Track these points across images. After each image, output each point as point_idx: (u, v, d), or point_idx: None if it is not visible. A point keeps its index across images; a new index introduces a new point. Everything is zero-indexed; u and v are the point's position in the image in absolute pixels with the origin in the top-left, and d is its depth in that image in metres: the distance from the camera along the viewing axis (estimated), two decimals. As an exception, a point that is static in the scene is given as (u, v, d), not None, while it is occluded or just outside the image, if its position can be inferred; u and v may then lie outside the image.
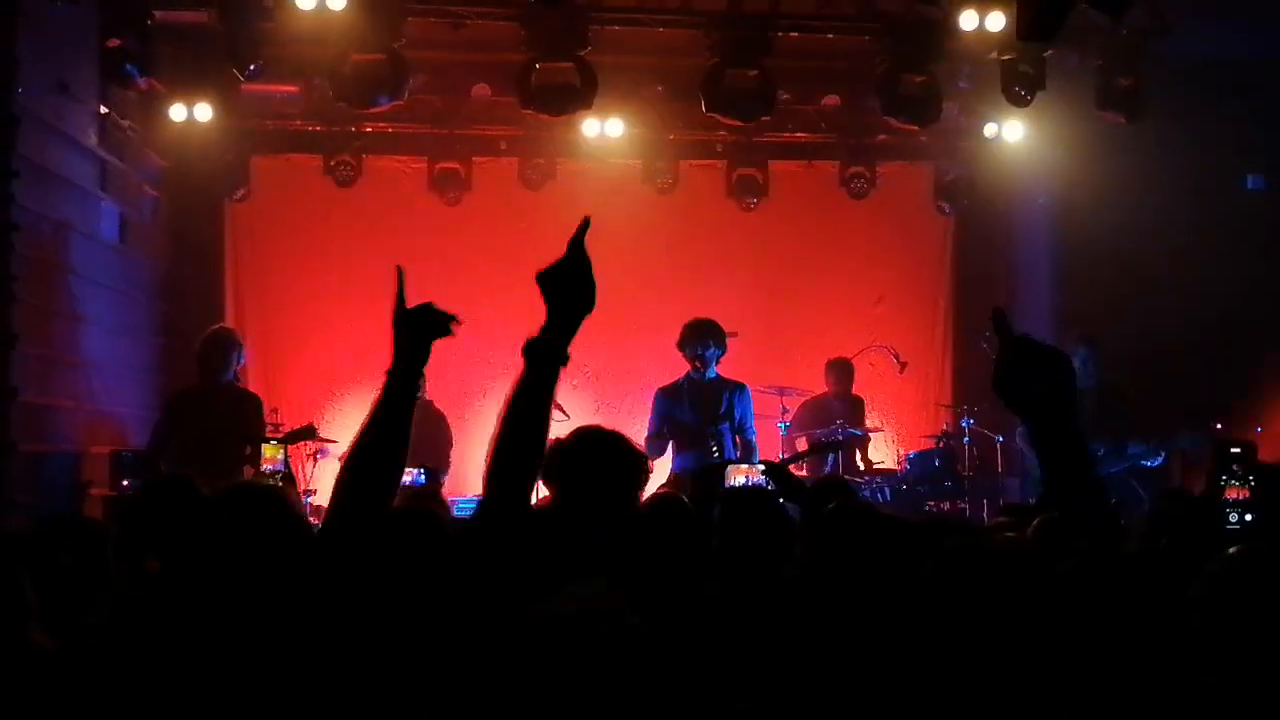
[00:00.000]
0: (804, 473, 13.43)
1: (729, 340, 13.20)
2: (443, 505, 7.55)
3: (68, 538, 6.33)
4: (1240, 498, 5.37)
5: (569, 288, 4.16)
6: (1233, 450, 5.47)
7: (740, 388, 13.06)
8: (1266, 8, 11.90)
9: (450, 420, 14.34)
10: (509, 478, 4.07)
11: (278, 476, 7.16)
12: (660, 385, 13.08)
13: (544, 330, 4.15)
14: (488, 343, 15.07)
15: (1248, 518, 5.29)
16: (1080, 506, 3.90)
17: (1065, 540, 4.35)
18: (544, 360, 4.11)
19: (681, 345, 12.83)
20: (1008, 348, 3.81)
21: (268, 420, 13.32)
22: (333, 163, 16.24)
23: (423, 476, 8.61)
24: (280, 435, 11.57)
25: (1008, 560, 4.05)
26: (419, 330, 4.72)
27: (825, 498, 6.95)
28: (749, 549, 5.95)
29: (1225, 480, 5.43)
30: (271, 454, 7.22)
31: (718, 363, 12.91)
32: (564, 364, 4.10)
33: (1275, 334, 14.72)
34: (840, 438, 14.76)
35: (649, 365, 13.35)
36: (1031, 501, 9.76)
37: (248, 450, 12.44)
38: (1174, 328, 13.92)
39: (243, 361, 13.04)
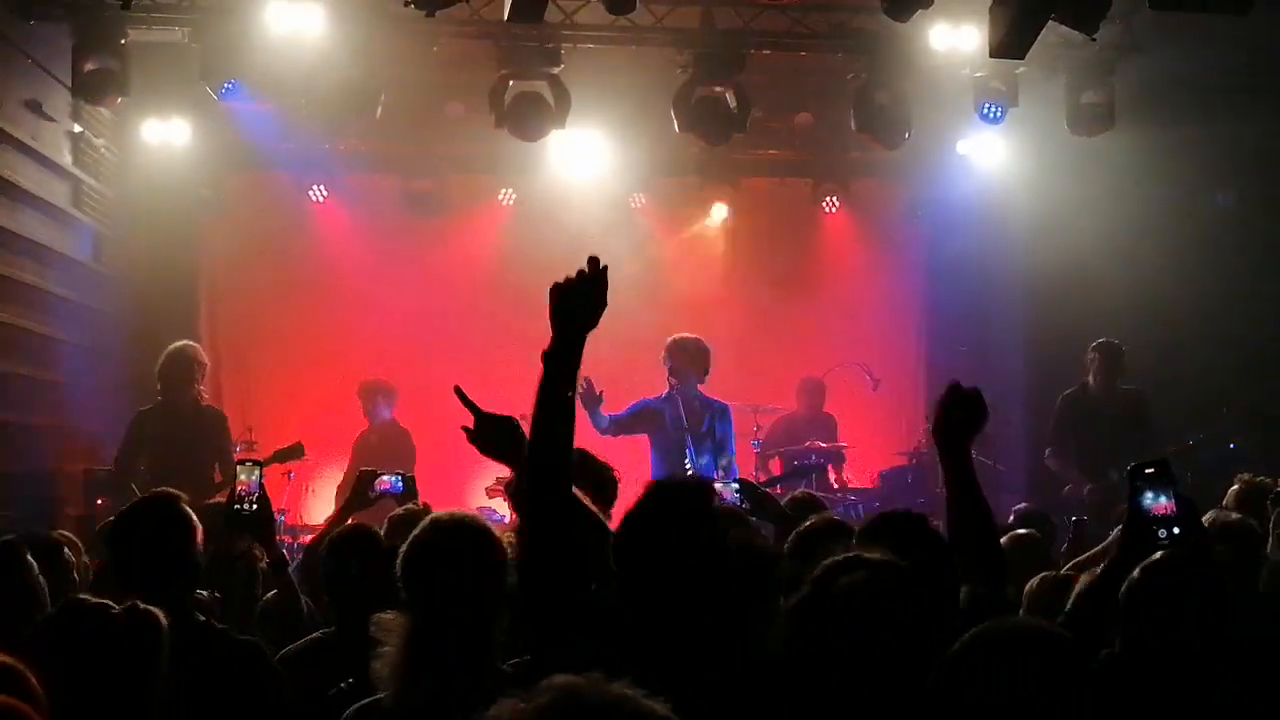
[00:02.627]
0: (778, 490, 13.46)
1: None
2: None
3: (35, 557, 6.33)
4: (1166, 513, 5.42)
5: (573, 301, 4.67)
6: (1147, 470, 5.52)
7: (723, 409, 13.16)
8: (1234, 24, 11.93)
9: (431, 438, 14.32)
10: (545, 474, 4.56)
11: (252, 499, 7.09)
12: (642, 398, 13.18)
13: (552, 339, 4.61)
14: (465, 360, 15.17)
15: (1175, 531, 5.35)
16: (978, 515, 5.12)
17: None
18: (551, 365, 4.58)
19: (705, 367, 13.00)
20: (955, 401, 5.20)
21: (242, 439, 13.31)
22: (306, 181, 16.24)
23: (400, 483, 8.55)
24: (268, 456, 11.52)
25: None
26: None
27: (800, 516, 6.95)
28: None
29: (1151, 499, 5.48)
30: (247, 475, 7.13)
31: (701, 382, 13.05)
32: (569, 367, 4.61)
33: (1246, 349, 14.76)
34: (815, 461, 14.82)
35: (620, 380, 13.35)
36: (1010, 518, 9.76)
37: (218, 476, 12.43)
38: (1145, 343, 13.96)
39: (203, 377, 12.95)
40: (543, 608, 4.52)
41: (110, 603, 4.60)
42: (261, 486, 7.18)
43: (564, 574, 4.48)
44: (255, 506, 7.11)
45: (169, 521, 5.94)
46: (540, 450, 4.57)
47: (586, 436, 11.37)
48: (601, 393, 12.71)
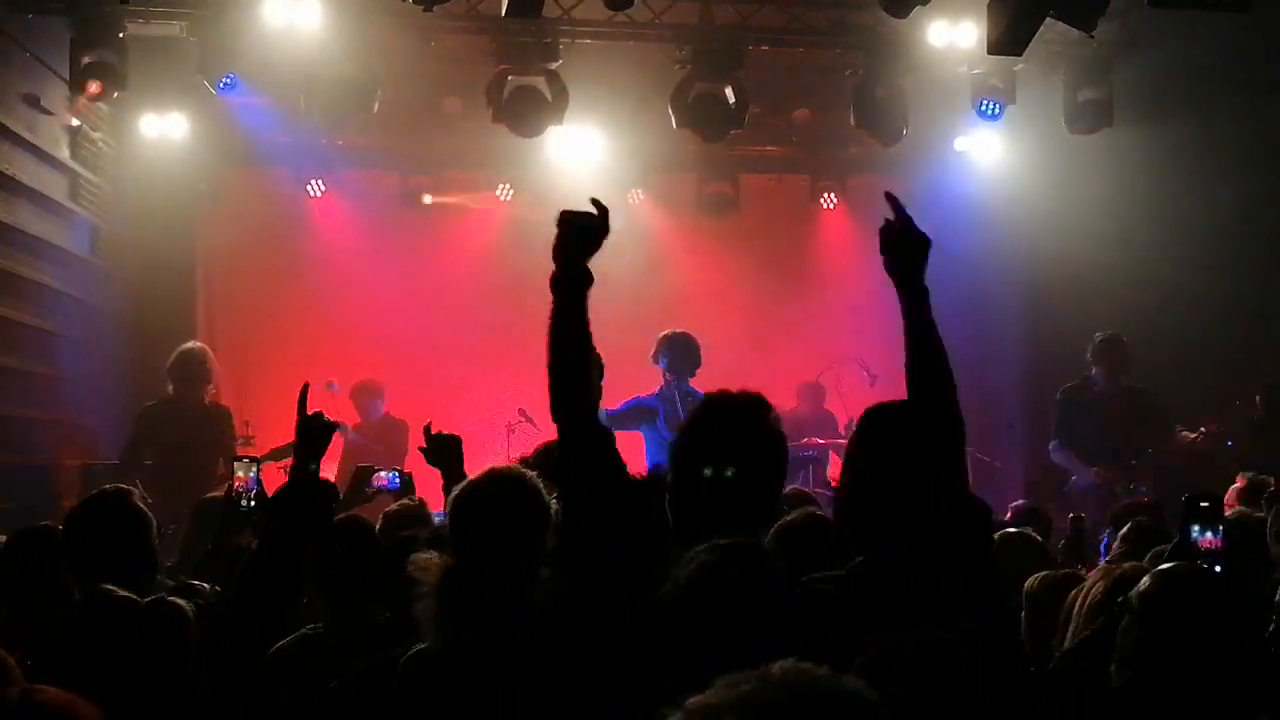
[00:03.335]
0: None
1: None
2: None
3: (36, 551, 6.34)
4: (1214, 547, 5.38)
5: (579, 228, 4.95)
6: (1201, 504, 5.48)
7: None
8: (1232, 20, 11.92)
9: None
10: (567, 396, 4.77)
11: (250, 495, 7.08)
12: (635, 396, 13.09)
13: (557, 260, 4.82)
14: (460, 352, 15.19)
15: (1218, 569, 5.31)
16: (932, 355, 5.50)
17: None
18: (560, 289, 4.80)
19: (694, 362, 12.90)
20: (894, 226, 5.59)
21: (240, 434, 13.31)
22: (304, 175, 16.24)
23: (397, 479, 8.56)
24: (264, 454, 11.51)
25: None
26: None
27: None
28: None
29: (1198, 532, 5.44)
30: (244, 471, 7.12)
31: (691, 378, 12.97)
32: (577, 290, 4.83)
33: (1248, 345, 14.74)
34: (809, 454, 14.81)
35: (618, 377, 13.32)
36: (1008, 515, 9.76)
37: (221, 468, 12.47)
38: (1144, 339, 13.95)
39: (212, 381, 13.05)
40: (584, 540, 4.66)
41: (132, 595, 4.62)
42: (259, 482, 7.18)
43: (602, 505, 4.67)
44: (253, 502, 7.11)
45: (121, 517, 5.95)
46: (559, 374, 4.76)
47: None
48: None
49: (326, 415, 5.24)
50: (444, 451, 6.98)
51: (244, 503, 7.13)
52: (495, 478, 4.96)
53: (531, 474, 4.99)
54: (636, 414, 12.96)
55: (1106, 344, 13.56)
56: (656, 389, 13.08)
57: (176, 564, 7.98)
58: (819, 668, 2.46)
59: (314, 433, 5.19)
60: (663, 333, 13.08)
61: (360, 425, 14.91)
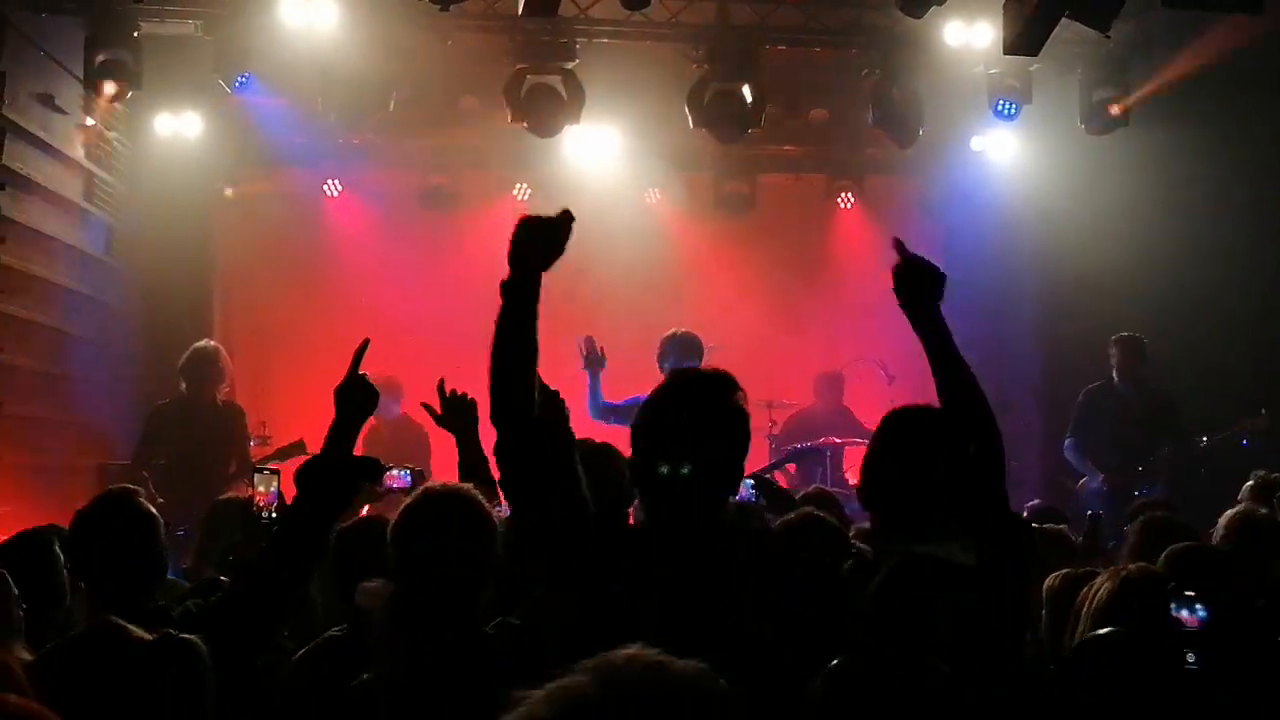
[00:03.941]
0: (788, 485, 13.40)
1: (714, 353, 13.21)
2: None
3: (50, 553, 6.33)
4: (1196, 627, 5.12)
5: (538, 236, 5.04)
6: (1187, 592, 5.22)
7: None
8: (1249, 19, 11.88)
9: (443, 433, 14.24)
10: (508, 404, 4.70)
11: (272, 508, 7.07)
12: (637, 394, 12.97)
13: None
14: (477, 352, 15.14)
15: (1190, 659, 5.10)
16: (961, 382, 5.35)
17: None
18: (508, 296, 4.92)
19: (678, 361, 12.77)
20: (905, 266, 5.57)
21: (256, 434, 13.30)
22: (321, 175, 16.23)
23: (409, 477, 8.54)
24: (269, 454, 11.48)
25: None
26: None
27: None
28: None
29: (1177, 609, 5.21)
30: (266, 486, 7.09)
31: None
32: (526, 300, 4.91)
33: (1265, 344, 14.68)
34: (807, 448, 14.77)
35: (633, 375, 13.29)
36: (1025, 515, 9.73)
37: (233, 467, 12.47)
38: (1164, 339, 13.91)
39: (224, 379, 13.05)
40: (531, 543, 4.67)
41: (136, 630, 4.50)
42: (281, 495, 7.16)
43: (546, 501, 4.59)
44: (275, 515, 7.09)
45: (128, 519, 5.93)
46: (501, 381, 4.75)
47: (592, 428, 11.34)
48: (603, 350, 12.64)
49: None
50: (459, 413, 6.78)
51: (265, 516, 7.11)
52: (430, 495, 4.96)
53: (469, 488, 4.98)
54: (634, 411, 12.80)
55: (1126, 345, 13.54)
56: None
57: (191, 566, 7.98)
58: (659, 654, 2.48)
59: (356, 393, 5.26)
60: (665, 334, 13.00)
61: (377, 422, 14.90)
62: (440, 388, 6.49)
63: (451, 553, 4.79)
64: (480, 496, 4.96)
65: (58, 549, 6.28)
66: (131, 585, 5.57)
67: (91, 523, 5.96)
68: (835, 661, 3.80)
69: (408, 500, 5.04)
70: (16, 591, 5.43)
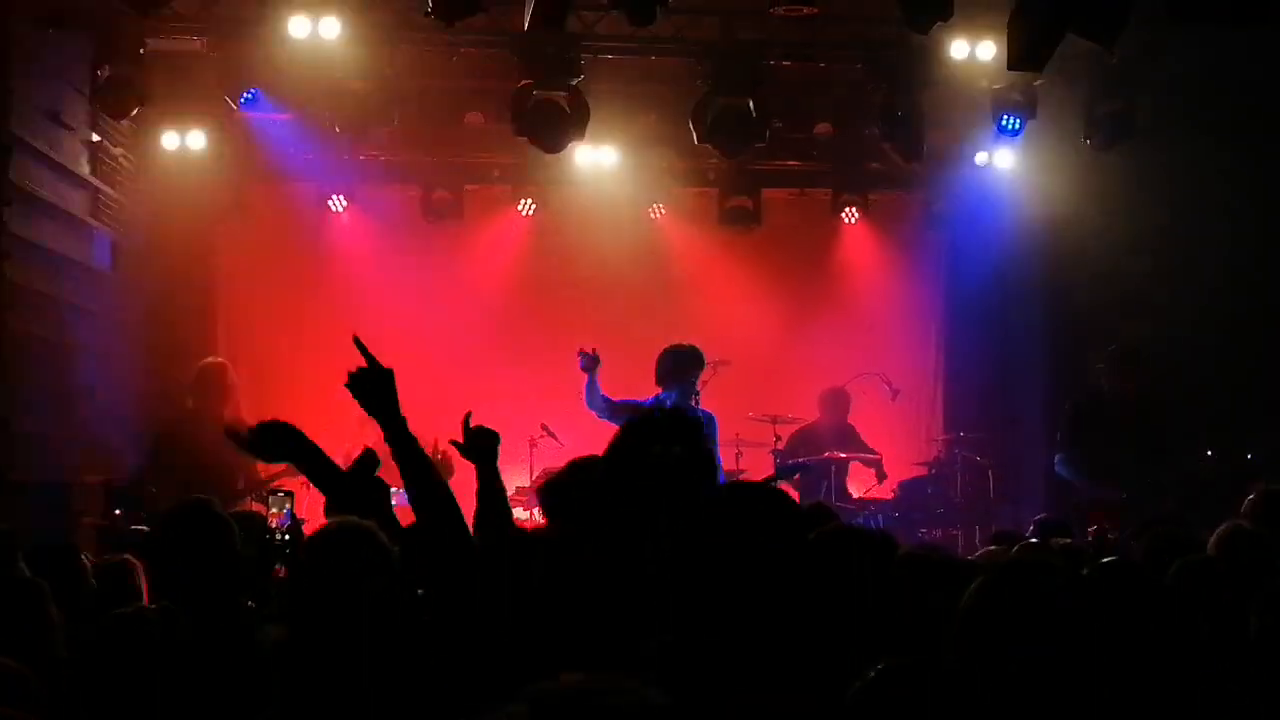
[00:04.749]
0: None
1: (721, 368, 13.21)
2: None
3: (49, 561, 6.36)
4: None
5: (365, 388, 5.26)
6: None
7: (711, 417, 12.92)
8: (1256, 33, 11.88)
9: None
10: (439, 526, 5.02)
11: (284, 530, 7.13)
12: (634, 398, 12.90)
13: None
14: (481, 366, 15.16)
15: None
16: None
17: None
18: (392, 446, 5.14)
19: (684, 375, 12.70)
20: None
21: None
22: (325, 191, 16.24)
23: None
24: (278, 470, 11.48)
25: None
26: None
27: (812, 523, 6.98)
28: None
29: None
30: (278, 508, 7.15)
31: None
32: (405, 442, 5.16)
33: (1271, 357, 14.65)
34: (801, 463, 14.80)
35: (639, 390, 13.31)
36: (1030, 529, 9.76)
37: (240, 484, 12.49)
38: (1172, 350, 13.89)
39: (232, 395, 13.10)
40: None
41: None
42: (293, 517, 7.21)
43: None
44: (288, 536, 7.13)
45: (210, 526, 5.95)
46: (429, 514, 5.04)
47: (601, 443, 11.28)
48: (594, 350, 12.54)
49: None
50: (481, 447, 6.82)
51: (278, 538, 7.14)
52: (330, 535, 4.95)
53: (368, 525, 4.96)
54: (628, 411, 12.72)
55: (1119, 356, 13.47)
56: (654, 394, 12.90)
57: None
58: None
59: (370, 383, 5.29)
60: (665, 347, 12.90)
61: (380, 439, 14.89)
62: (465, 423, 6.52)
63: (351, 598, 4.76)
64: (369, 531, 4.92)
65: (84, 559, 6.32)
66: (213, 589, 5.60)
67: (172, 530, 6.01)
68: (881, 665, 3.78)
69: (310, 536, 5.00)
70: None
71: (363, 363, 5.31)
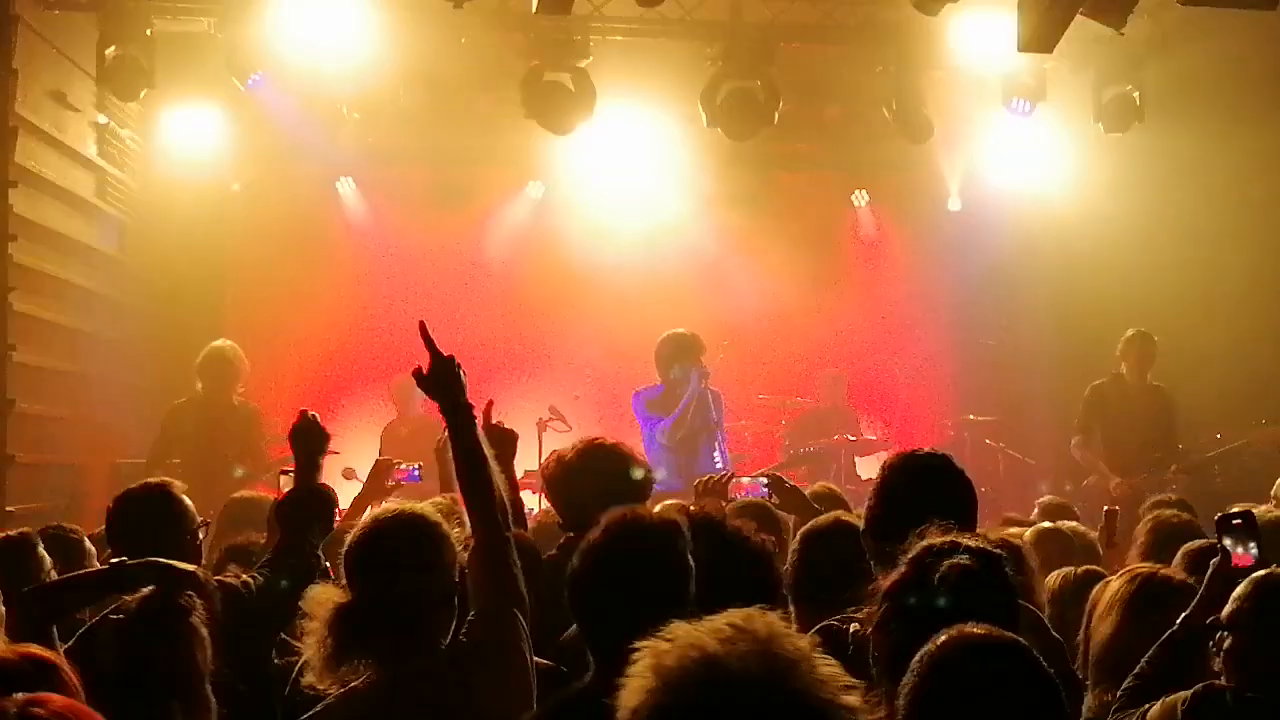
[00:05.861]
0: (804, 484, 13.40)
1: (723, 351, 13.24)
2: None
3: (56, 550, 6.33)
4: (1248, 565, 5.29)
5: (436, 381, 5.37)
6: (1234, 521, 5.40)
7: (718, 395, 12.93)
8: (1265, 16, 11.81)
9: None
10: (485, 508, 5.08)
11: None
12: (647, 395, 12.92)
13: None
14: (491, 349, 15.13)
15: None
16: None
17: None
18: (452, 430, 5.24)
19: (686, 359, 12.70)
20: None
21: (270, 433, 13.30)
22: (333, 173, 16.23)
23: (417, 473, 8.58)
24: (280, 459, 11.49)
25: None
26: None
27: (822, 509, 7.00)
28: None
29: (1232, 545, 5.36)
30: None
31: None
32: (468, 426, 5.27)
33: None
34: (811, 450, 14.83)
35: (648, 374, 13.30)
36: (1035, 511, 9.74)
37: (248, 467, 12.48)
38: (1176, 339, 13.85)
39: (242, 378, 13.10)
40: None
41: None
42: None
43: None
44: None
45: (166, 507, 5.95)
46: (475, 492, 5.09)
47: (609, 425, 11.30)
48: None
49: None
50: (500, 445, 6.80)
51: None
52: (377, 522, 4.95)
53: (421, 512, 4.96)
54: (658, 413, 12.74)
55: (1136, 340, 13.48)
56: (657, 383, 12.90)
57: (206, 562, 7.95)
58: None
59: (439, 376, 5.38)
60: (663, 335, 12.89)
61: (397, 420, 14.93)
62: (486, 413, 6.51)
63: (398, 581, 4.77)
64: (430, 521, 4.92)
65: (41, 551, 6.27)
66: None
67: (125, 514, 5.99)
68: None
69: (358, 527, 5.00)
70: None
71: (427, 356, 5.42)
